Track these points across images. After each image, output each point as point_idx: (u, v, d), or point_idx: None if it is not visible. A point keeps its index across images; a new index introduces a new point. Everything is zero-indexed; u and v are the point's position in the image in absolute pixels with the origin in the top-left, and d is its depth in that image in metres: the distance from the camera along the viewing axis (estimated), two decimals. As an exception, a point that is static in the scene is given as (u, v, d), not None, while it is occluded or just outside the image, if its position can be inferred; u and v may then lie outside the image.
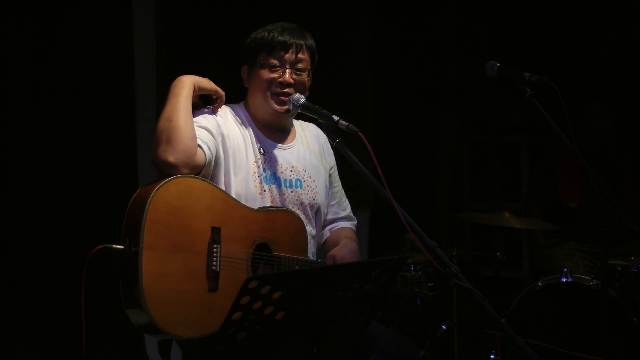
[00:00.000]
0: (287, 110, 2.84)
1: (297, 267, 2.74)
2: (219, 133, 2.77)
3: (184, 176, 2.58)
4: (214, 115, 2.82)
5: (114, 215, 3.76)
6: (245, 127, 2.86)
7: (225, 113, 2.86)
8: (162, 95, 4.12)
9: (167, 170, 2.59)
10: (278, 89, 2.83)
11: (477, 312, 4.15)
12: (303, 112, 2.80)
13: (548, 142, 5.01)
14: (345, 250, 2.90)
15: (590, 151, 4.64)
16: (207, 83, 2.80)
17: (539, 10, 5.93)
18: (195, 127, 2.69)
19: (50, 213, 3.69)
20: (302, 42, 2.86)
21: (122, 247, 2.46)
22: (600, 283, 3.83)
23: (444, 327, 3.90)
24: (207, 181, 2.66)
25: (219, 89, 2.84)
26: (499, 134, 6.13)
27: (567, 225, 4.65)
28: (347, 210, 3.15)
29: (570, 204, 4.69)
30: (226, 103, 2.89)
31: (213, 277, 2.55)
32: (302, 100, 2.79)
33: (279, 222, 2.77)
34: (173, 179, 2.54)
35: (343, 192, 3.15)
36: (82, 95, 3.79)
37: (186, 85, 2.72)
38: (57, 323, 3.70)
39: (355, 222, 3.18)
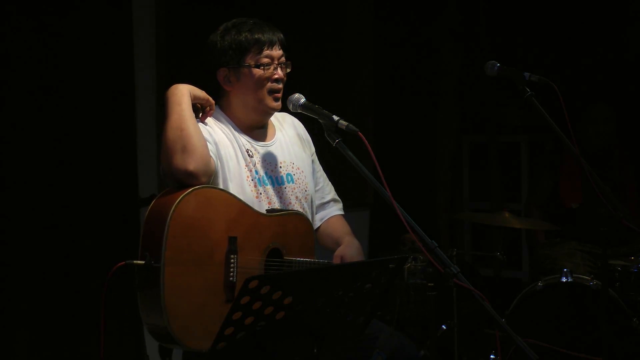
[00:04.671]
0: (279, 107, 2.84)
1: None
2: (213, 141, 2.75)
3: (201, 187, 2.57)
4: (203, 124, 2.79)
5: (112, 217, 3.78)
6: (230, 131, 2.83)
7: (209, 120, 2.83)
8: (162, 95, 4.14)
9: (186, 179, 2.57)
10: (275, 85, 2.82)
11: (477, 312, 4.15)
12: (303, 112, 2.80)
13: (548, 142, 5.00)
14: (352, 249, 2.89)
15: (592, 152, 4.63)
16: (200, 92, 2.78)
17: (539, 10, 5.93)
18: None
19: (46, 214, 3.69)
20: (281, 36, 2.87)
21: (142, 262, 2.45)
22: (600, 283, 3.83)
23: (444, 327, 3.90)
24: (222, 190, 2.66)
25: (210, 98, 2.82)
26: (499, 133, 6.13)
27: (567, 226, 4.64)
28: (332, 193, 3.12)
29: (571, 204, 4.69)
30: None
31: (230, 288, 2.55)
32: (302, 100, 2.78)
33: (290, 225, 2.77)
34: (192, 191, 2.52)
35: (325, 175, 3.12)
36: (81, 95, 3.79)
37: (185, 93, 2.70)
38: (57, 323, 3.70)
39: (341, 204, 3.15)
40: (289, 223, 2.77)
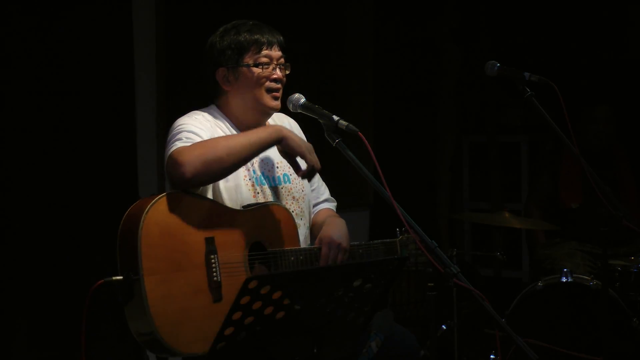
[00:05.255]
0: (278, 107, 2.84)
1: (292, 258, 2.71)
2: None
3: (169, 193, 2.54)
4: (204, 122, 2.76)
5: (112, 218, 3.77)
6: (229, 131, 2.81)
7: (207, 120, 2.79)
8: (162, 95, 4.15)
9: (174, 179, 2.55)
10: (273, 85, 2.82)
11: (477, 312, 4.15)
12: (303, 112, 2.79)
13: (548, 142, 5.00)
14: (334, 228, 2.85)
15: (592, 152, 4.63)
16: (297, 144, 2.71)
17: (539, 10, 5.93)
18: (192, 136, 2.64)
19: (46, 215, 3.69)
20: (280, 38, 2.86)
21: (121, 277, 2.43)
22: (600, 283, 3.83)
23: (444, 327, 3.90)
24: (192, 193, 2.61)
25: (313, 161, 2.72)
26: (499, 134, 6.14)
27: (567, 226, 4.64)
28: (326, 193, 3.11)
29: (571, 204, 4.69)
30: (196, 109, 2.82)
31: (216, 288, 2.53)
32: (302, 100, 2.77)
33: (267, 217, 2.74)
34: (159, 198, 2.49)
35: (319, 176, 3.09)
36: (81, 95, 3.79)
37: (273, 136, 2.67)
38: (57, 323, 3.70)
39: (335, 204, 3.14)
40: (267, 215, 2.74)
